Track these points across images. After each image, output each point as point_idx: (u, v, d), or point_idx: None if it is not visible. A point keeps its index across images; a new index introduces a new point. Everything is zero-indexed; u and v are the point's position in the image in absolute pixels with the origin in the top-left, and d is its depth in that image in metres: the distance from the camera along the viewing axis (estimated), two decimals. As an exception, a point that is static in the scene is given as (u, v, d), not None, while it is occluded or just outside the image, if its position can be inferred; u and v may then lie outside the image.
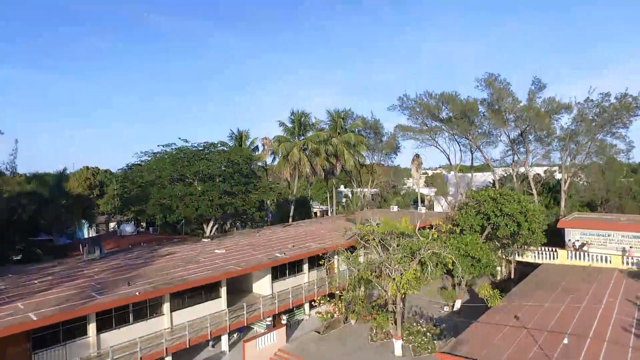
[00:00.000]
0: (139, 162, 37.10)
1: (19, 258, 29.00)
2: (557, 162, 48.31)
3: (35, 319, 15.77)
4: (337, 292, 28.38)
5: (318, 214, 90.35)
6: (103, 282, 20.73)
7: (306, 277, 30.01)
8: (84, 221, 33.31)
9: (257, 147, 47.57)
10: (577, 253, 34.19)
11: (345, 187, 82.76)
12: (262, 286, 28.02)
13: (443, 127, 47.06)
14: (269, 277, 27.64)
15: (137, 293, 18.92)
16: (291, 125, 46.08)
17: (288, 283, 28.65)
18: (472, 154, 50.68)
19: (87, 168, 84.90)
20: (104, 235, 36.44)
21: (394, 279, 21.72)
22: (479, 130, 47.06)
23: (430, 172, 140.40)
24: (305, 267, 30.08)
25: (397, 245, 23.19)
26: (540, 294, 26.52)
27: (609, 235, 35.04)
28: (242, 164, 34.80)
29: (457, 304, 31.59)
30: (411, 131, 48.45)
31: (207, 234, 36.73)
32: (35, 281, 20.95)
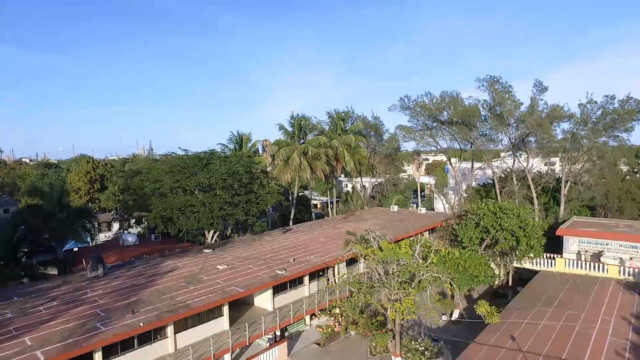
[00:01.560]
0: (137, 169, 37.08)
1: (22, 274, 29.38)
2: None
3: (42, 358, 16.13)
4: (338, 302, 28.87)
5: (318, 206, 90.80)
6: (107, 308, 21.07)
7: (307, 289, 30.40)
8: (85, 234, 33.53)
9: (257, 149, 47.42)
10: (575, 262, 34.60)
11: (345, 177, 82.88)
12: (264, 300, 28.43)
13: (444, 128, 46.82)
14: (270, 291, 28.02)
15: (141, 324, 19.27)
16: (291, 129, 45.90)
17: (289, 296, 29.08)
18: (472, 154, 50.58)
19: (87, 161, 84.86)
20: (107, 246, 36.75)
21: (394, 302, 22.08)
22: (480, 132, 46.86)
23: (430, 159, 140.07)
24: (306, 279, 30.43)
25: (397, 266, 23.44)
26: (537, 310, 26.93)
27: (606, 244, 35.32)
28: (242, 173, 34.79)
29: (456, 314, 32.19)
30: (412, 133, 48.25)
31: (209, 240, 37.07)
32: (41, 308, 21.27)
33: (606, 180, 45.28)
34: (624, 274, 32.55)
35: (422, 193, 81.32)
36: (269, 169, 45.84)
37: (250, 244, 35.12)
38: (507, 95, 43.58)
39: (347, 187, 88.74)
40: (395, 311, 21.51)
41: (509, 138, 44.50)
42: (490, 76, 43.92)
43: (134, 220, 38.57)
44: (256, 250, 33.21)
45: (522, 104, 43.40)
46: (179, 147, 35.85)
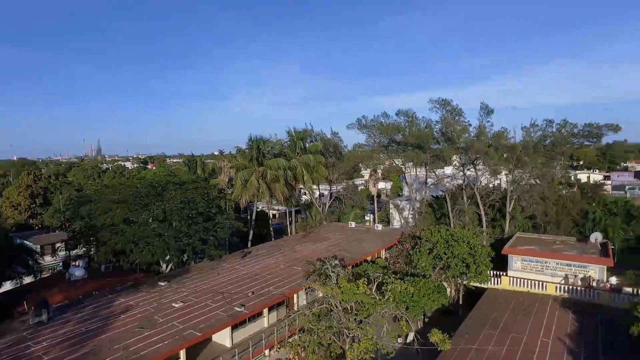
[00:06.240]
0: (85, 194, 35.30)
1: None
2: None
3: None
4: (297, 334, 29.10)
5: (277, 216, 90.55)
6: (54, 367, 20.00)
7: (266, 320, 30.41)
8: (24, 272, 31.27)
9: (213, 170, 46.52)
10: (517, 280, 37.16)
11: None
12: (222, 336, 28.05)
13: (399, 148, 48.42)
14: (229, 327, 27.75)
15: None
16: (249, 151, 45.41)
17: (248, 330, 28.95)
18: (426, 172, 52.68)
19: (28, 172, 79.29)
20: (51, 280, 34.39)
21: (352, 341, 22.68)
22: (433, 153, 48.99)
23: (387, 162, 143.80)
24: (265, 310, 30.41)
25: (355, 304, 24.08)
26: (485, 334, 28.63)
27: (545, 262, 38.15)
28: (199, 201, 34.07)
29: (410, 336, 33.47)
30: (369, 152, 49.48)
31: (164, 269, 36.00)
32: (-22, 371, 19.81)
33: (545, 197, 48.77)
34: (560, 291, 35.37)
35: (379, 199, 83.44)
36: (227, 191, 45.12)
37: (207, 273, 34.48)
38: (457, 118, 45.91)
39: (305, 194, 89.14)
40: (354, 351, 22.10)
41: (459, 159, 46.83)
42: (442, 99, 46.12)
43: (82, 248, 36.54)
44: (214, 281, 32.69)
45: (470, 125, 45.92)
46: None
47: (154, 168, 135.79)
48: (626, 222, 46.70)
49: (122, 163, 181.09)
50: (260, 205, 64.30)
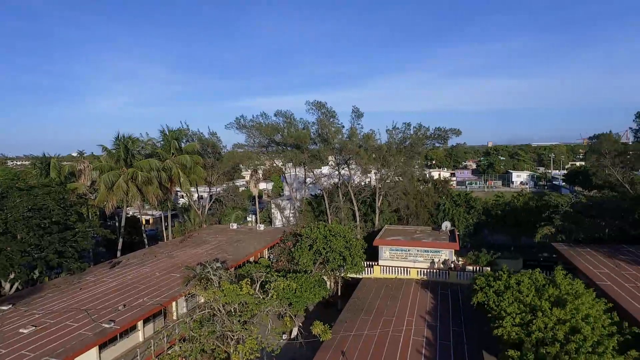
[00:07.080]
0: None
1: None
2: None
3: None
4: (178, 344, 27.47)
5: (151, 222, 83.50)
6: None
7: (141, 334, 27.99)
8: None
9: (72, 173, 40.41)
10: (387, 268, 41.41)
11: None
12: (87, 357, 24.74)
13: (279, 148, 49.34)
14: (95, 347, 24.75)
15: None
16: (115, 151, 40.73)
17: (120, 347, 26.27)
18: (305, 172, 54.76)
19: None
20: None
21: (237, 344, 22.40)
22: (311, 147, 51.24)
23: (267, 163, 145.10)
24: (140, 323, 27.97)
25: (239, 306, 23.84)
26: (361, 320, 31.19)
27: (408, 250, 43.33)
28: (53, 208, 29.39)
29: (294, 331, 34.52)
30: (249, 153, 49.27)
31: (7, 291, 30.19)
32: None
33: (407, 192, 55.32)
34: (420, 274, 40.56)
35: (260, 200, 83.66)
36: (90, 196, 39.79)
37: (66, 290, 30.10)
38: (331, 120, 48.83)
39: (182, 197, 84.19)
40: (239, 353, 21.88)
41: (335, 159, 49.95)
42: (318, 101, 48.50)
43: None
44: (76, 298, 28.70)
45: (343, 127, 49.37)
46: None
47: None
48: (467, 211, 55.72)
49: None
50: (132, 211, 58.56)
